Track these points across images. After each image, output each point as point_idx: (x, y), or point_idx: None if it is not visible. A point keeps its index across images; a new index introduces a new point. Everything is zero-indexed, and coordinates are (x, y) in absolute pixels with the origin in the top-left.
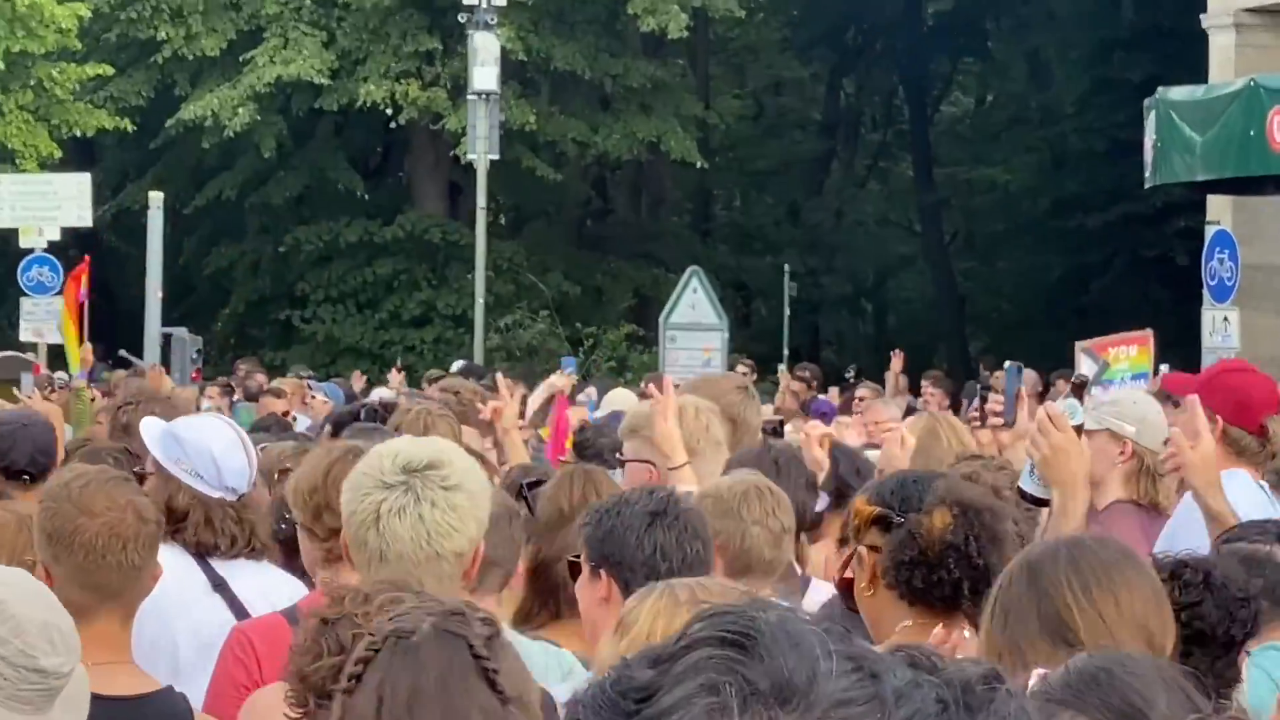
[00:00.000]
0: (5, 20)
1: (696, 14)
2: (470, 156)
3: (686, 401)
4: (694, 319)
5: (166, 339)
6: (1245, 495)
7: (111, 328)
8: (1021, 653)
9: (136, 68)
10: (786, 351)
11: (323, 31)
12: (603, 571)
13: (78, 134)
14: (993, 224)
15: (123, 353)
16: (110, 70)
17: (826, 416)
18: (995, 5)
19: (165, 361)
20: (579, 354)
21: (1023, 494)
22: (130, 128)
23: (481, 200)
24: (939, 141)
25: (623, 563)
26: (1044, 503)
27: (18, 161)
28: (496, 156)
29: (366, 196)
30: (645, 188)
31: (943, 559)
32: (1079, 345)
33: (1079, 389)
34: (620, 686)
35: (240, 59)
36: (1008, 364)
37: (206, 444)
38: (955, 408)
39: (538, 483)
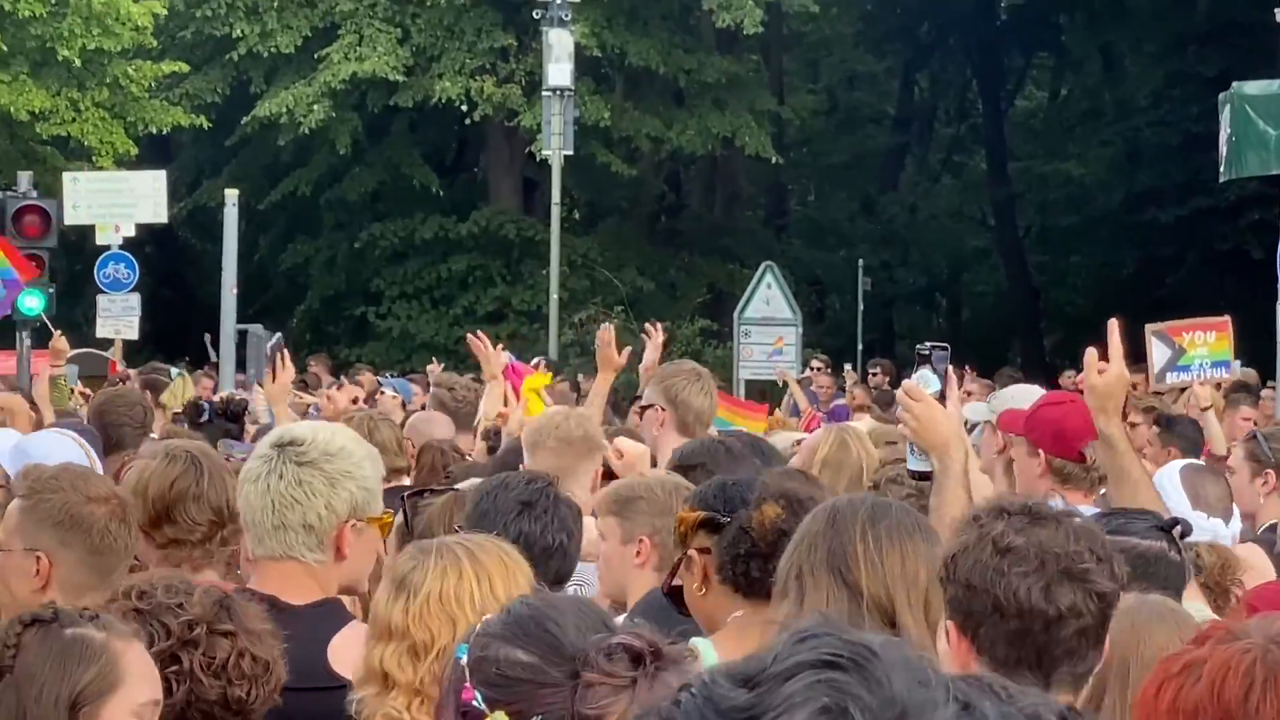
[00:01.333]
0: (81, 18)
1: (771, 8)
2: (545, 152)
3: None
4: (768, 314)
5: (242, 335)
6: None
7: (187, 324)
8: (802, 577)
9: (212, 65)
10: (860, 346)
11: (397, 28)
12: (642, 536)
13: (154, 131)
14: (1066, 218)
15: (207, 337)
16: (186, 67)
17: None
18: (1068, 0)
19: (241, 357)
20: None
21: (913, 474)
22: (206, 125)
23: (556, 196)
24: (1013, 135)
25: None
26: (928, 475)
27: (94, 159)
28: (571, 152)
29: (441, 193)
30: (719, 183)
31: (776, 547)
32: (1150, 328)
33: (925, 359)
34: (717, 704)
35: (315, 56)
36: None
37: (51, 460)
38: None
39: (420, 493)
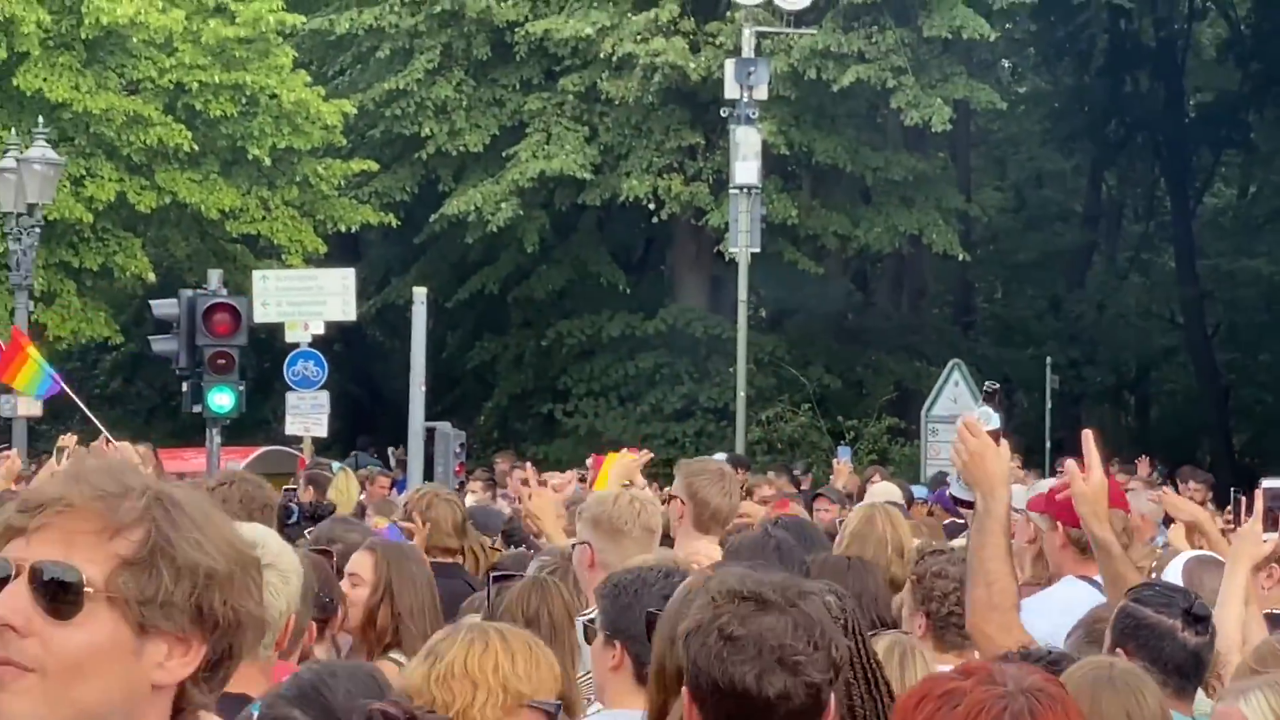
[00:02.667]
0: (271, 117)
1: (958, 106)
2: (732, 250)
3: (625, 491)
4: (955, 411)
5: (430, 433)
6: (1087, 597)
7: (374, 421)
8: None
9: (401, 163)
10: (1049, 444)
11: (585, 127)
12: (616, 642)
13: (343, 229)
14: (1256, 315)
15: (389, 450)
16: (375, 166)
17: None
18: (1258, 96)
19: (429, 455)
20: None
21: (955, 500)
22: (394, 223)
23: (743, 294)
24: (1201, 233)
25: (635, 636)
26: (971, 504)
27: (284, 257)
28: (758, 250)
29: (628, 290)
30: (906, 280)
31: None
32: None
33: (991, 397)
34: None
35: (503, 154)
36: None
37: None
38: (1218, 502)
39: (507, 576)
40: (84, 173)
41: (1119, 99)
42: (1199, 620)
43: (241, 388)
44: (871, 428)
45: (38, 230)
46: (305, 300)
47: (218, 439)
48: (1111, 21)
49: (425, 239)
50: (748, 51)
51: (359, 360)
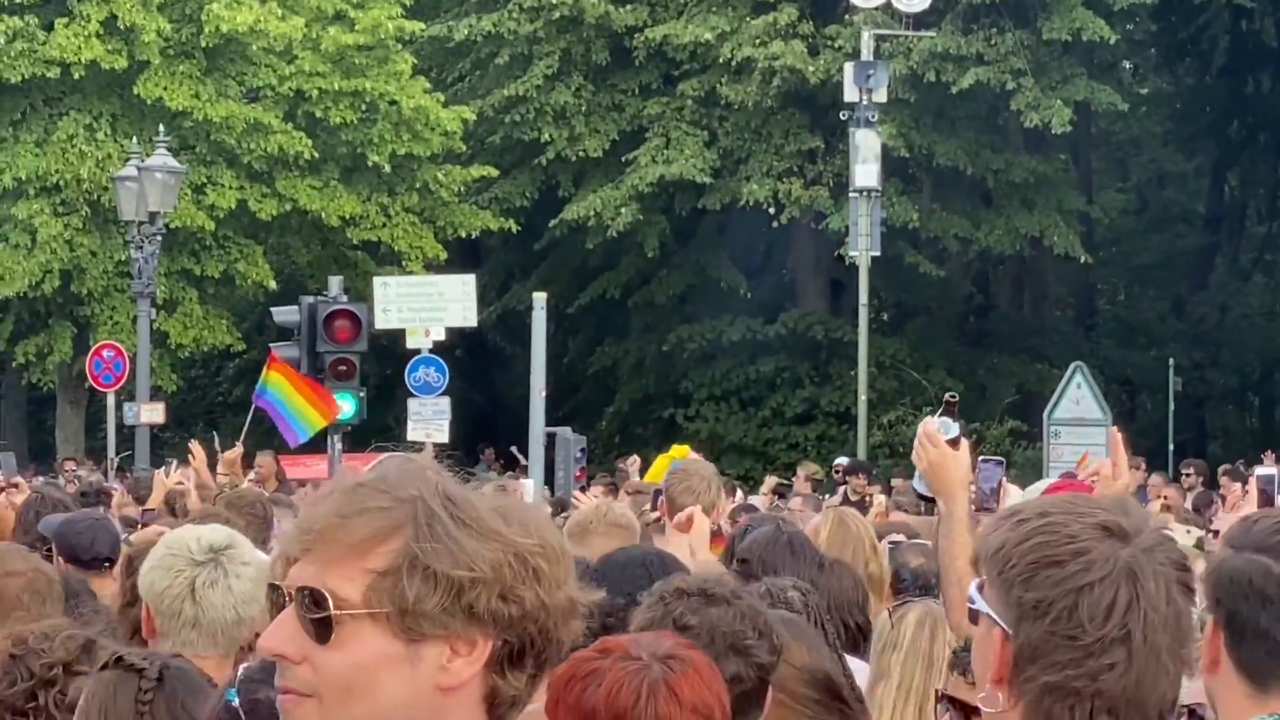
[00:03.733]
0: (391, 124)
1: (1079, 108)
2: (852, 254)
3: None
4: (1078, 414)
5: (551, 438)
6: None
7: (495, 426)
8: None
9: (520, 169)
10: (1172, 447)
11: (704, 131)
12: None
13: (463, 235)
14: None
15: (513, 450)
16: (494, 172)
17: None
18: None
19: (550, 460)
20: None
21: (919, 494)
22: (515, 228)
23: (864, 297)
24: None
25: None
26: (934, 501)
27: (404, 263)
28: (878, 253)
29: (749, 294)
30: (1028, 283)
31: None
32: None
33: (950, 408)
34: None
35: (623, 159)
36: (982, 459)
37: None
38: None
39: None
40: (205, 180)
41: (1241, 99)
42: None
43: (362, 394)
44: (994, 430)
45: (159, 238)
46: (426, 306)
47: (339, 445)
48: (1233, 21)
49: (545, 244)
50: (867, 54)
51: (480, 366)
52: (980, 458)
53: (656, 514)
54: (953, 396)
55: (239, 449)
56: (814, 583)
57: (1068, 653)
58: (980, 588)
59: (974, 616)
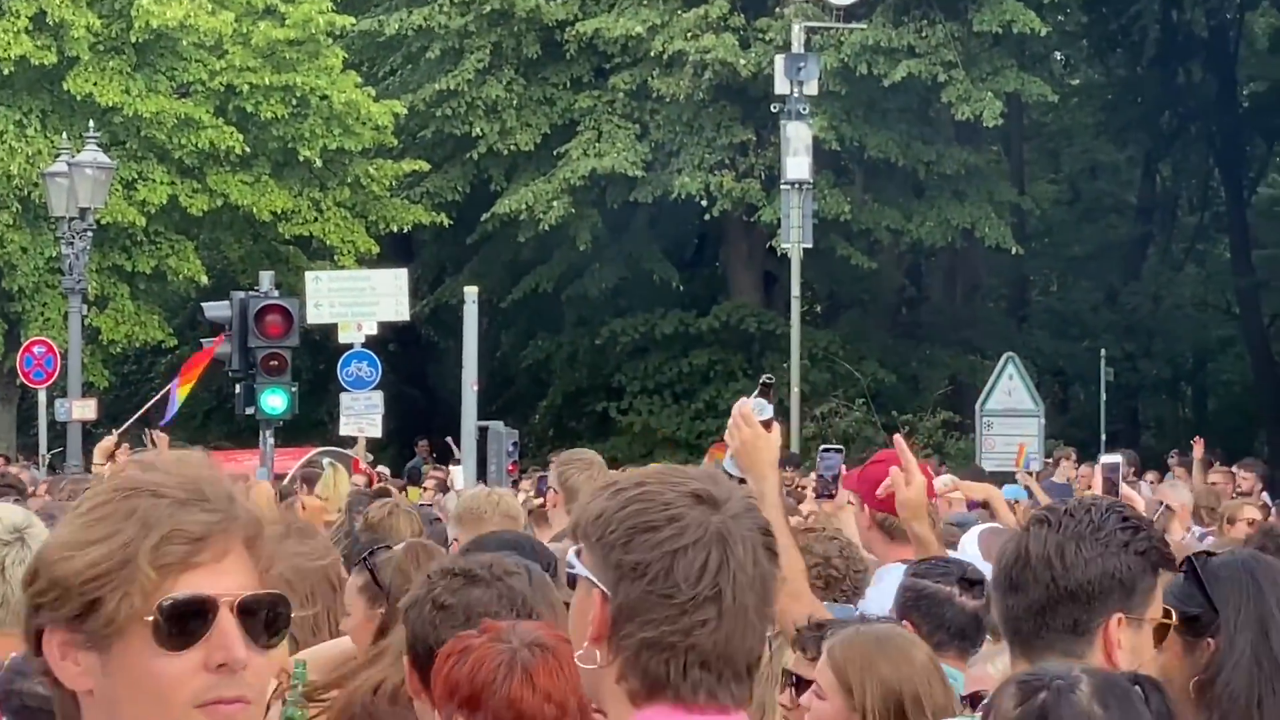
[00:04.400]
0: (322, 119)
1: (1010, 99)
2: (784, 246)
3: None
4: (1010, 405)
5: (483, 432)
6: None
7: (429, 421)
8: None
9: (452, 163)
10: (1104, 437)
11: (636, 124)
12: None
13: (395, 229)
14: None
15: (448, 440)
16: (426, 166)
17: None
18: None
19: (482, 454)
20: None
21: (728, 474)
22: (447, 222)
23: (796, 289)
24: (1256, 223)
25: None
26: (744, 481)
27: (336, 258)
28: (810, 245)
29: (682, 287)
30: (960, 274)
31: None
32: None
33: (765, 390)
34: None
35: (555, 153)
36: (823, 449)
37: None
38: (1271, 490)
39: (374, 550)
40: (135, 176)
41: (1172, 90)
42: (973, 585)
43: (294, 389)
44: (926, 422)
45: (90, 234)
46: (358, 301)
47: (271, 440)
48: (1163, 12)
49: (478, 238)
50: (798, 47)
51: (413, 360)
52: (821, 448)
53: (540, 501)
54: (769, 379)
55: (113, 438)
56: None
57: (664, 610)
58: (579, 554)
59: (572, 581)
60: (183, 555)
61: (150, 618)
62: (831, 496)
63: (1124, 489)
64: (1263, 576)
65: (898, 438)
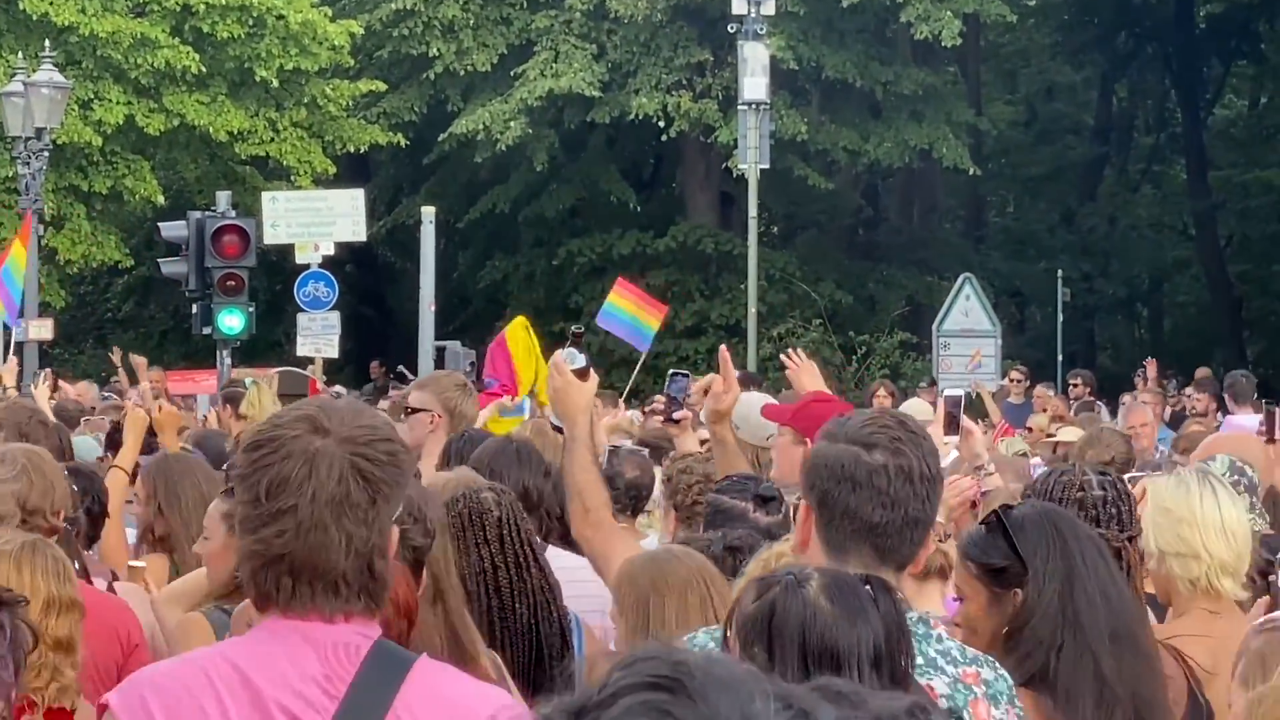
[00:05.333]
0: (279, 39)
1: (968, 20)
2: (741, 167)
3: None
4: (967, 325)
5: (441, 352)
6: None
7: (385, 341)
8: None
9: (409, 84)
10: (1061, 358)
11: (593, 45)
12: None
13: (351, 150)
14: (1268, 226)
15: (401, 369)
16: (383, 86)
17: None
18: (1268, 7)
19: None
20: (853, 362)
21: (554, 426)
22: (403, 143)
23: (753, 210)
24: (1213, 144)
25: None
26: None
27: (293, 178)
28: (767, 166)
29: (639, 208)
30: (916, 195)
31: None
32: None
33: (576, 340)
34: None
35: (511, 73)
36: (671, 371)
37: None
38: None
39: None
40: (92, 96)
41: (1128, 10)
42: (767, 501)
43: (251, 309)
44: (883, 343)
45: (46, 154)
46: (315, 221)
47: (228, 360)
48: None
49: (434, 159)
50: None
51: (370, 281)
52: (671, 370)
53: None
54: (578, 329)
55: (14, 362)
56: (539, 489)
57: (254, 521)
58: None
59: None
60: None
61: None
62: (676, 423)
63: (964, 421)
64: (1065, 528)
65: (723, 349)
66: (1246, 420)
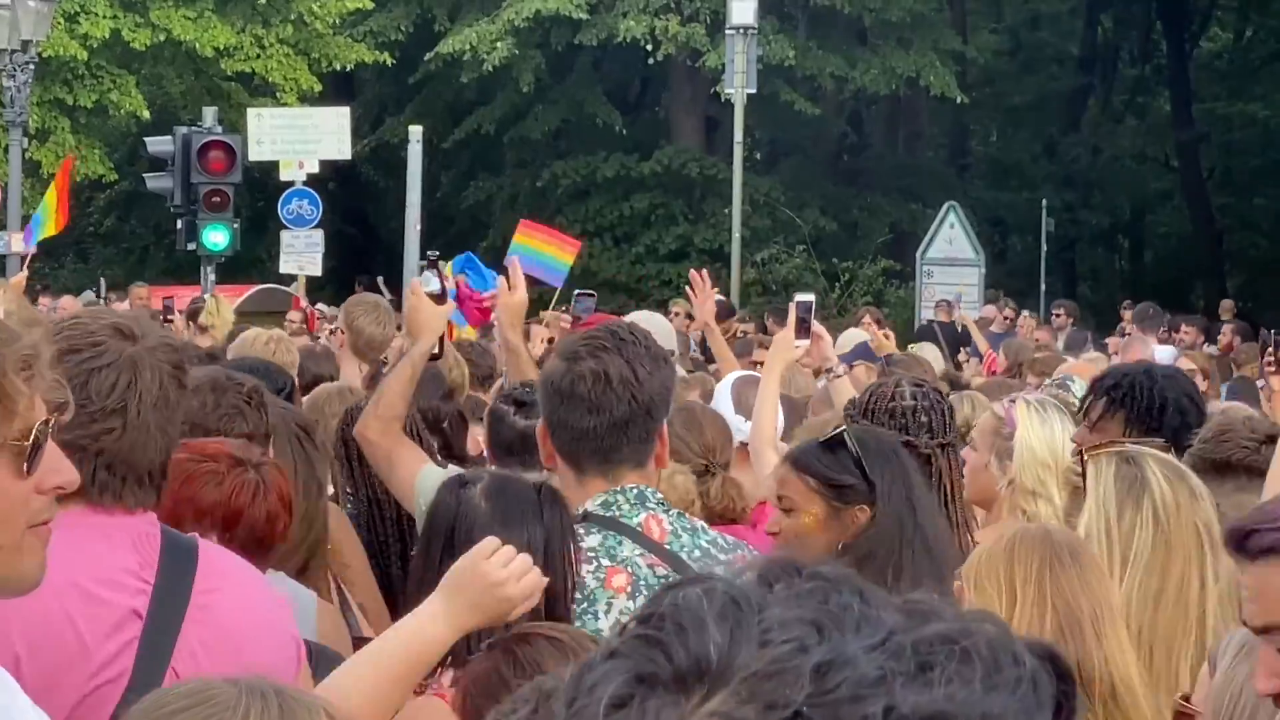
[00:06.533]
0: None
1: None
2: (728, 92)
3: (263, 331)
4: (951, 254)
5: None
6: None
7: (368, 260)
8: None
9: (396, 2)
10: (1043, 287)
11: None
12: None
13: (337, 68)
14: (1251, 160)
15: (378, 280)
16: (370, 4)
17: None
18: None
19: None
20: (835, 289)
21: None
22: (389, 62)
23: (739, 135)
24: (1197, 76)
25: None
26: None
27: (279, 95)
28: (754, 91)
29: (624, 131)
30: (901, 122)
31: None
32: None
33: (433, 264)
34: (568, 694)
35: None
36: (577, 291)
37: None
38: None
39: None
40: (78, 9)
41: None
42: (523, 405)
43: (236, 225)
44: (866, 270)
45: (31, 67)
46: (300, 139)
47: (212, 276)
48: None
49: (420, 78)
50: None
51: (353, 199)
52: (576, 291)
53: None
54: (434, 254)
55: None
56: (435, 410)
57: (79, 418)
58: None
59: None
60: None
61: (21, 441)
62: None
63: (815, 326)
64: (902, 454)
65: (513, 258)
66: (1144, 348)
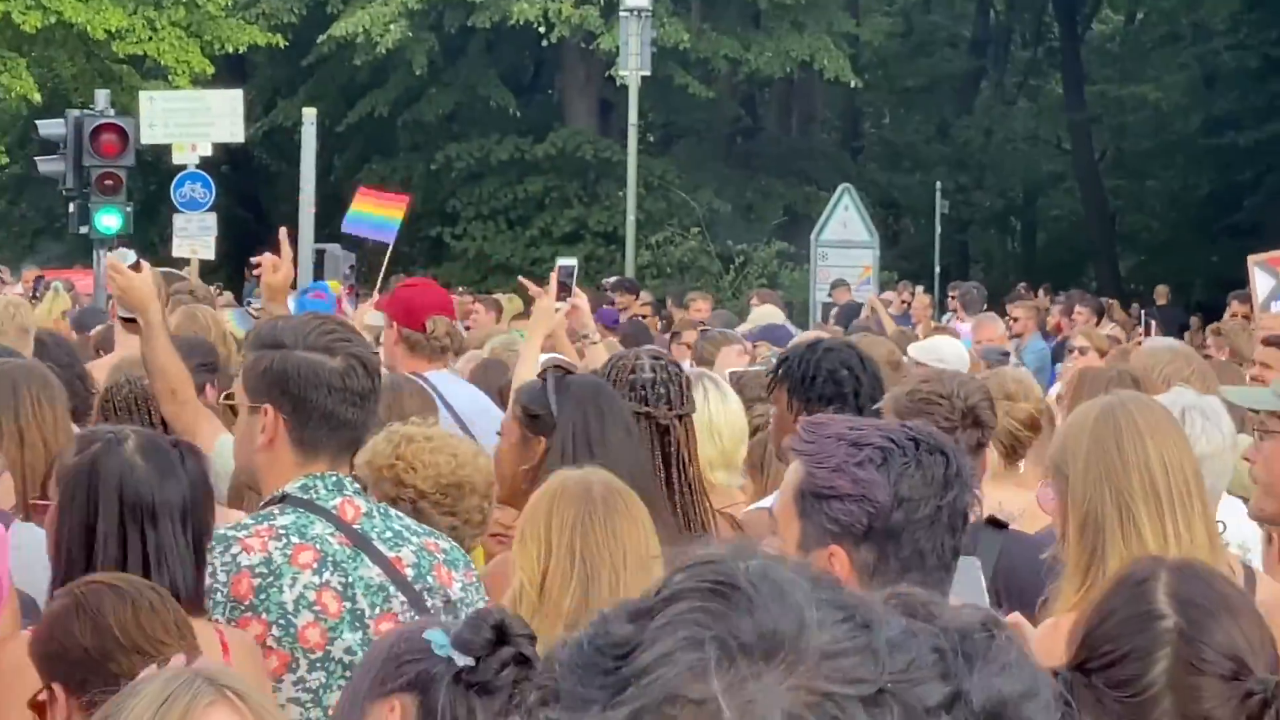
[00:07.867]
0: None
1: None
2: (622, 74)
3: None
4: (845, 236)
5: (320, 254)
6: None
7: (262, 243)
8: None
9: None
10: (937, 269)
11: None
12: None
13: (230, 50)
14: (1143, 142)
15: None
16: None
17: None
18: None
19: (319, 277)
20: (730, 271)
21: (122, 319)
22: (282, 44)
23: (633, 117)
24: (1089, 59)
25: None
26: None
27: (171, 78)
28: (648, 73)
29: (518, 114)
30: (795, 105)
31: None
32: (1252, 259)
33: (126, 242)
34: (598, 642)
35: None
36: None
37: None
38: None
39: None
40: None
41: None
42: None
43: (129, 209)
44: (761, 252)
45: None
46: (193, 122)
47: (105, 260)
48: None
49: (313, 61)
50: None
51: (247, 183)
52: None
53: None
54: (122, 234)
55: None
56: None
57: None
58: None
59: None
60: None
61: None
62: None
63: (575, 294)
64: (604, 401)
65: (282, 231)
66: (994, 325)
